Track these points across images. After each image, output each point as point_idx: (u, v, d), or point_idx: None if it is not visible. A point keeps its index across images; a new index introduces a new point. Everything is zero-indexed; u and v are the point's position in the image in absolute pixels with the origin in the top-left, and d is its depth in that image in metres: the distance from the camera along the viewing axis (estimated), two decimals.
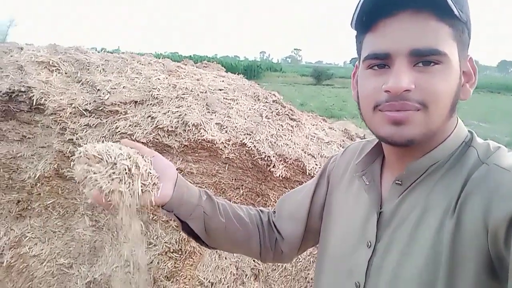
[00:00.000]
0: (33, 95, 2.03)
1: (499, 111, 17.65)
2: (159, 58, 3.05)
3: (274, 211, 1.03)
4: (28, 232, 2.14)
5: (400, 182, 0.72)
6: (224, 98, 2.28)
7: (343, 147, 2.46)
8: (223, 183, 2.17)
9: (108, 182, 0.71)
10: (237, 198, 2.21)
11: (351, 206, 0.83)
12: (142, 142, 2.07)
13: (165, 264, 2.09)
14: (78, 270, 2.12)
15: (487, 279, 0.58)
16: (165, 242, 2.11)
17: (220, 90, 2.34)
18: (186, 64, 3.36)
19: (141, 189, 0.74)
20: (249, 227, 0.96)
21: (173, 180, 0.84)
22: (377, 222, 0.74)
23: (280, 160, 2.14)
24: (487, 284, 0.58)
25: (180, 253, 2.12)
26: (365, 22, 0.67)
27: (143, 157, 0.79)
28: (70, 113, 2.03)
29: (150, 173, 0.77)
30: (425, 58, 0.62)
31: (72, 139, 2.01)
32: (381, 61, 0.66)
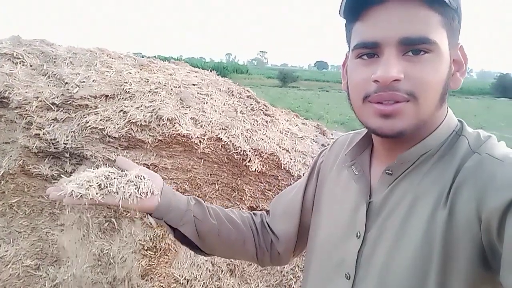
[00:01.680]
0: None
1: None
2: None
3: (268, 212, 1.02)
4: None
5: (390, 172, 0.71)
6: (198, 93, 2.26)
7: (316, 142, 2.48)
8: (199, 178, 2.14)
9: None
10: (212, 194, 2.19)
11: (339, 196, 0.82)
12: (114, 137, 2.01)
13: (139, 262, 2.04)
14: (46, 272, 2.02)
15: (480, 269, 0.58)
16: (139, 240, 2.05)
17: (194, 85, 2.32)
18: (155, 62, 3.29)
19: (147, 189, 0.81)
20: (242, 229, 0.95)
21: (159, 188, 0.84)
22: (366, 212, 0.73)
23: (256, 155, 2.14)
24: (480, 274, 0.58)
25: (154, 250, 2.07)
26: (353, 10, 0.66)
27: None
28: (37, 107, 1.93)
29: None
30: (415, 47, 0.61)
31: (39, 134, 1.92)
32: (370, 50, 0.65)
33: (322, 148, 1.08)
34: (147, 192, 0.80)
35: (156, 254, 2.08)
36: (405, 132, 0.63)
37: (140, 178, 0.81)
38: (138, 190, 0.79)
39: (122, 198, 0.77)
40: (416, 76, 0.61)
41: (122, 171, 0.84)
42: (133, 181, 0.80)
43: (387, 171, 0.71)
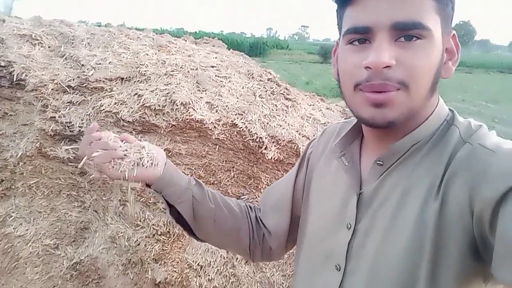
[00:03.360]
0: (14, 70, 1.93)
1: (509, 92, 17.26)
2: (162, 34, 2.92)
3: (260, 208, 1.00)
4: (13, 212, 2.08)
5: (381, 163, 0.70)
6: (216, 76, 2.17)
7: None
8: (213, 164, 2.08)
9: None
10: (228, 181, 2.13)
11: (329, 187, 0.82)
12: (128, 121, 1.98)
13: (152, 247, 2.04)
14: (64, 251, 2.07)
15: (471, 260, 0.58)
16: (153, 225, 2.04)
17: (212, 67, 2.23)
18: (186, 40, 3.22)
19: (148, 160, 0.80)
20: (238, 217, 0.94)
21: (163, 161, 0.84)
22: (357, 203, 0.72)
23: (273, 142, 2.04)
24: (471, 265, 0.58)
25: (168, 235, 2.06)
26: None
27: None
28: (52, 89, 1.93)
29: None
30: (407, 32, 0.60)
31: (54, 117, 1.92)
32: (362, 36, 0.63)
33: None
34: (150, 161, 0.80)
35: (170, 239, 2.07)
36: (396, 121, 0.63)
37: (143, 147, 0.81)
38: (141, 159, 0.78)
39: (125, 165, 0.77)
40: (407, 63, 0.60)
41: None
42: (137, 149, 0.80)
43: (378, 162, 0.71)
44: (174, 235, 2.07)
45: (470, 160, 0.60)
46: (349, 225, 0.72)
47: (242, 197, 2.18)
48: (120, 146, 0.79)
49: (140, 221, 2.07)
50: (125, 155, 0.78)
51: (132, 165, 0.77)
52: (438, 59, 0.63)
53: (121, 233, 2.07)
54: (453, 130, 0.67)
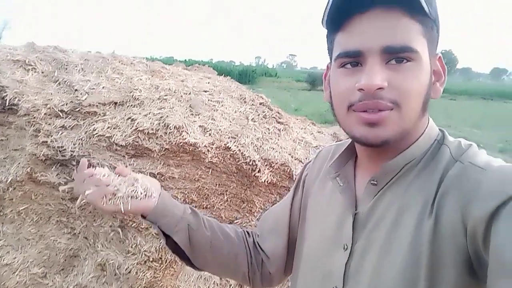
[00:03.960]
0: (6, 95, 1.93)
1: (491, 118, 17.78)
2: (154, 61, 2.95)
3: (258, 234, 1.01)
4: (1, 240, 2.02)
5: (375, 182, 0.71)
6: (209, 100, 2.19)
7: None
8: (206, 188, 2.07)
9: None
10: (221, 204, 2.11)
11: (325, 208, 0.82)
12: (121, 145, 1.98)
13: (144, 274, 1.99)
14: (52, 280, 2.00)
15: (467, 277, 0.58)
16: (145, 251, 2.00)
17: (205, 91, 2.25)
18: (177, 67, 3.27)
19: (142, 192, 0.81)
20: (235, 243, 0.94)
21: (157, 191, 0.85)
22: (353, 223, 0.73)
23: (266, 165, 2.05)
24: (468, 282, 0.58)
25: (160, 262, 2.02)
26: (335, 20, 0.66)
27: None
28: (45, 114, 1.92)
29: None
30: (397, 55, 0.62)
31: (46, 142, 1.91)
32: (353, 59, 0.65)
33: None
34: (144, 193, 0.81)
35: (162, 266, 2.02)
36: (389, 140, 0.64)
37: (137, 180, 0.82)
38: (135, 192, 0.80)
39: (118, 199, 0.78)
40: (399, 85, 0.62)
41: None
42: (130, 182, 0.81)
43: (372, 182, 0.71)
44: (166, 261, 2.03)
45: (461, 178, 0.61)
46: (345, 246, 0.72)
47: (235, 221, 2.16)
48: (112, 181, 0.80)
49: (131, 247, 2.03)
50: (117, 189, 0.79)
51: (126, 199, 0.79)
52: (427, 80, 0.65)
53: (112, 260, 2.02)
54: (444, 150, 0.68)
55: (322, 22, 0.69)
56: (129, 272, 1.98)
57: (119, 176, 0.83)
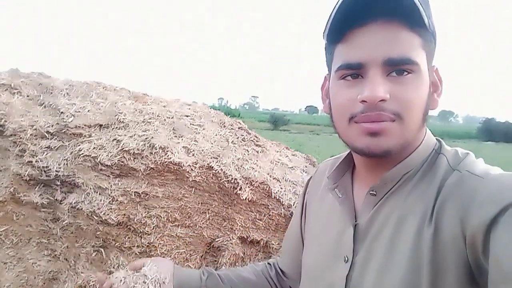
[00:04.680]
0: None
1: None
2: None
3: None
4: None
5: (374, 193, 0.71)
6: (191, 124, 2.32)
7: (306, 172, 2.52)
8: (189, 207, 2.14)
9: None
10: (203, 223, 2.18)
11: (325, 221, 0.83)
12: (107, 165, 2.03)
13: None
14: None
15: (468, 285, 0.58)
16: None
17: (187, 116, 2.38)
18: (149, 95, 3.38)
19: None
20: (258, 285, 0.97)
21: (170, 273, 0.89)
22: (353, 235, 0.73)
23: (247, 183, 2.17)
24: None
25: None
26: (337, 33, 0.67)
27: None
28: (31, 134, 1.96)
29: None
30: (399, 67, 0.63)
31: (31, 161, 1.93)
32: (354, 71, 0.66)
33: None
34: (157, 286, 0.86)
35: None
36: (391, 151, 0.65)
37: (145, 275, 0.87)
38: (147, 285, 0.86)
39: None
40: (401, 97, 0.63)
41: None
42: (142, 281, 0.87)
43: (371, 192, 0.71)
44: None
45: (459, 186, 0.62)
46: (346, 258, 0.72)
47: (216, 240, 2.22)
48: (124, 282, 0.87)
49: (113, 267, 2.03)
50: None
51: None
52: (427, 91, 0.67)
53: (93, 281, 2.01)
54: (441, 159, 0.69)
55: (323, 34, 0.70)
56: None
57: (133, 273, 0.89)
